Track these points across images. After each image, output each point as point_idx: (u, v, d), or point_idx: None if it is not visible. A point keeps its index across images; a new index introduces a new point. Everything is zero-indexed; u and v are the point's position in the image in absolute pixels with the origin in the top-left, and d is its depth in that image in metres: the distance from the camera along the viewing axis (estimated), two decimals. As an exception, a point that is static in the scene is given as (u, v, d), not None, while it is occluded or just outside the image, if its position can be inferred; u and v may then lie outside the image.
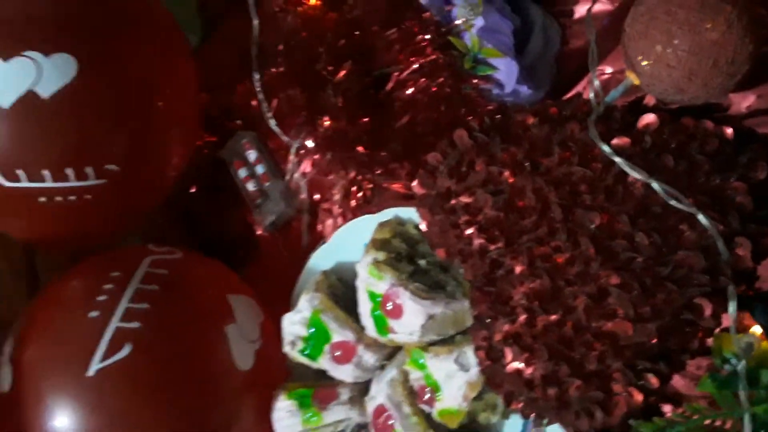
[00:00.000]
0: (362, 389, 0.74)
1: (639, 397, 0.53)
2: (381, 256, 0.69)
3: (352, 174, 0.80)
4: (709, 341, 0.54)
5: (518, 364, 0.56)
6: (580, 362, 0.54)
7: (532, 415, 0.57)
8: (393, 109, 0.75)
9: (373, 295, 0.69)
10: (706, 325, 0.53)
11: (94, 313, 0.69)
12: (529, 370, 0.55)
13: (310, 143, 0.83)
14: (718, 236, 0.51)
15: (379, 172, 0.78)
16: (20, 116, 0.70)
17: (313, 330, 0.73)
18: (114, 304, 0.69)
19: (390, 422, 0.68)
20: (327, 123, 0.80)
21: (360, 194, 0.80)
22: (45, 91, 0.70)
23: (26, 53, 0.70)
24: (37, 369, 0.68)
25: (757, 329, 0.57)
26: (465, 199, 0.59)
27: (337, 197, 0.82)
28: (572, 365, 0.54)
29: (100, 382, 0.66)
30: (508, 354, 0.56)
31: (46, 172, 0.71)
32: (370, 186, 0.79)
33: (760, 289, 0.56)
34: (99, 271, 0.73)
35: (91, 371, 0.66)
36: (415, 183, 0.62)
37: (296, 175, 0.86)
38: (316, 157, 0.82)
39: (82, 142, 0.74)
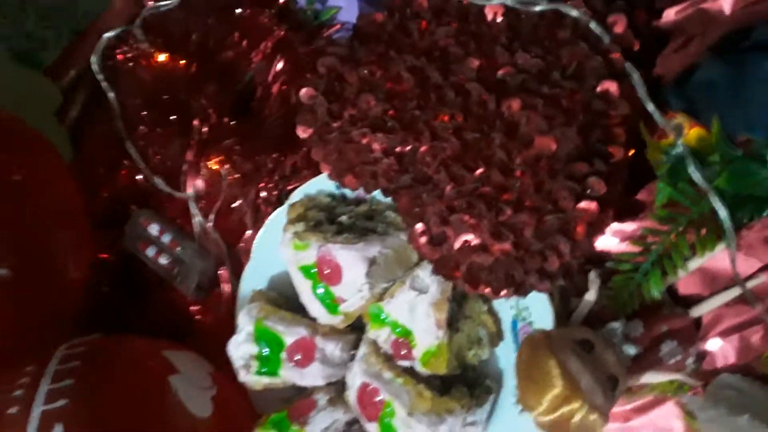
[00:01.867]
0: (339, 389, 0.65)
1: (593, 206, 0.48)
2: (300, 227, 0.64)
3: (253, 193, 0.76)
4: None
5: (464, 236, 0.51)
6: (520, 200, 0.49)
7: (505, 293, 0.51)
8: (269, 110, 0.74)
9: (306, 270, 0.63)
10: (620, 111, 0.50)
11: (13, 410, 0.60)
12: (476, 236, 0.50)
13: (201, 185, 0.79)
14: (590, 19, 0.49)
15: (278, 177, 0.75)
16: None
17: (262, 342, 0.65)
18: (33, 392, 0.60)
19: (377, 398, 0.60)
20: (213, 159, 0.78)
21: (269, 206, 0.76)
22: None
23: None
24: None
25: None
26: (349, 112, 0.56)
27: (249, 222, 0.78)
28: (515, 208, 0.49)
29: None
30: (450, 231, 0.51)
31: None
32: (276, 193, 0.75)
33: (661, 77, 0.54)
34: (10, 372, 0.64)
35: (24, 470, 0.56)
36: (298, 128, 0.59)
37: (205, 227, 0.81)
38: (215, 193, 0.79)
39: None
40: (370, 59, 0.56)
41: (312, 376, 0.64)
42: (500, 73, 0.52)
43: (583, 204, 0.49)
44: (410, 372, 0.61)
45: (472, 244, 0.50)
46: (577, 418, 0.47)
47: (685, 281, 0.56)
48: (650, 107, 0.49)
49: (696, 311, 0.54)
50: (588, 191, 0.49)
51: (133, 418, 0.60)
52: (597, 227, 0.50)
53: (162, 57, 0.80)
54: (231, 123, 0.71)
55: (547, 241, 0.49)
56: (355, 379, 0.62)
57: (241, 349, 0.66)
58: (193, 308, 0.84)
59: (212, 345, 0.75)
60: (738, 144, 0.51)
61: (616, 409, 0.59)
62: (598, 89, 0.50)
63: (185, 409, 0.62)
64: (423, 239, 0.53)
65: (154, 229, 0.84)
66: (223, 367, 0.71)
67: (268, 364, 0.65)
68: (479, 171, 0.51)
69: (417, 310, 0.59)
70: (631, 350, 0.52)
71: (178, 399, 0.63)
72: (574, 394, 0.46)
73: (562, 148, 0.49)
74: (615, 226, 0.57)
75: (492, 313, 0.62)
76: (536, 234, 0.49)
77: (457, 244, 0.51)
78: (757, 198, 0.51)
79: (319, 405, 0.64)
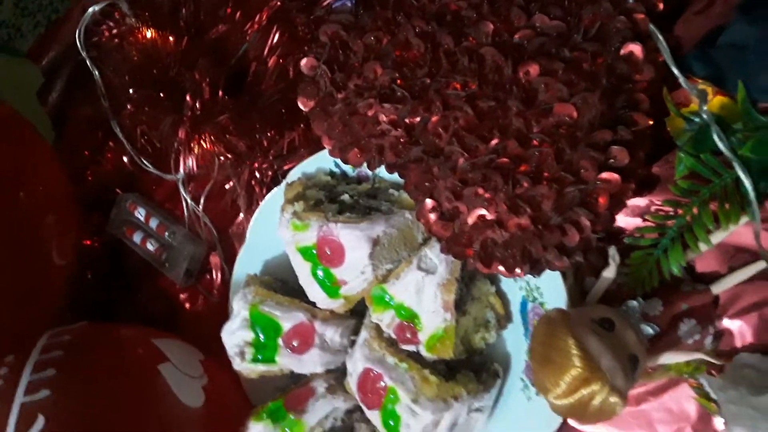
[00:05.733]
0: (338, 376, 0.62)
1: (616, 176, 0.46)
2: (299, 206, 0.61)
3: (246, 173, 0.73)
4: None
5: (478, 211, 0.48)
6: (538, 171, 0.46)
7: (519, 271, 0.49)
8: (265, 85, 0.70)
9: (306, 252, 0.60)
10: (645, 75, 0.47)
11: (-9, 402, 0.56)
12: (491, 211, 0.47)
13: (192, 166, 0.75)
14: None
15: (274, 156, 0.71)
16: None
17: (258, 328, 0.62)
18: (13, 384, 0.57)
19: (380, 384, 0.57)
20: (204, 138, 0.74)
21: (263, 187, 0.72)
22: None
23: None
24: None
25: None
26: (354, 83, 0.53)
27: (242, 204, 0.74)
28: (533, 180, 0.46)
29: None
30: (463, 206, 0.48)
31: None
32: (271, 173, 0.72)
33: (683, 43, 0.52)
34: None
35: (5, 462, 0.52)
36: (299, 100, 0.56)
37: (195, 210, 0.78)
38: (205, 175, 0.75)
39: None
40: (376, 25, 0.53)
41: (310, 362, 0.61)
42: (517, 36, 0.49)
43: (605, 175, 0.46)
44: (415, 357, 0.58)
45: (487, 219, 0.47)
46: (597, 400, 0.44)
47: (702, 257, 0.54)
48: (676, 71, 0.47)
49: (716, 288, 0.52)
50: (611, 161, 0.46)
51: (121, 408, 0.57)
52: (619, 199, 0.47)
53: (150, 33, 0.76)
54: (225, 98, 0.67)
55: (567, 215, 0.46)
56: (357, 365, 0.59)
57: (235, 335, 0.62)
58: (182, 296, 0.81)
59: (203, 334, 0.72)
60: (763, 112, 0.49)
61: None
62: (622, 52, 0.47)
63: (176, 399, 0.59)
64: (433, 216, 0.50)
65: (141, 213, 0.81)
66: (215, 356, 0.67)
67: (264, 351, 0.62)
68: (494, 141, 0.48)
69: (424, 292, 0.56)
70: (649, 330, 0.49)
71: (169, 388, 0.59)
72: (594, 375, 0.44)
73: (584, 115, 0.46)
74: (630, 201, 0.54)
75: (500, 294, 0.59)
76: (556, 207, 0.46)
77: (471, 220, 0.48)
78: (783, 168, 0.49)
79: (318, 393, 0.60)
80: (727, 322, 0.54)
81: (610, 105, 0.46)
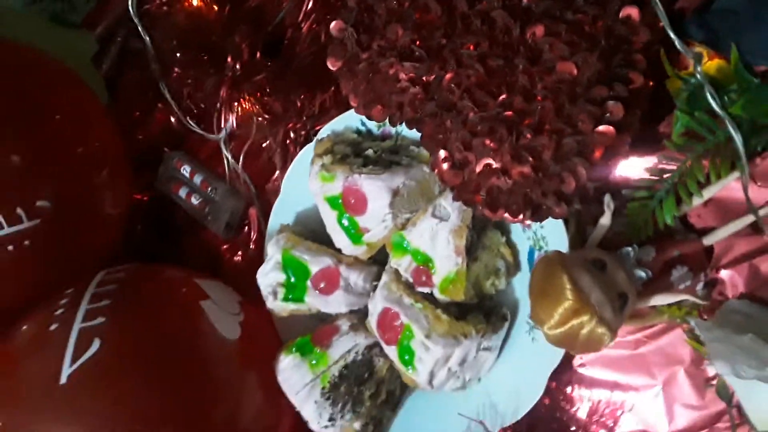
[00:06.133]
0: (361, 317, 0.68)
1: (611, 129, 0.50)
2: (327, 159, 0.66)
3: (281, 133, 0.79)
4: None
5: (485, 160, 0.53)
6: (540, 124, 0.51)
7: (522, 217, 0.53)
8: (299, 49, 0.76)
9: (332, 201, 0.66)
10: (641, 37, 0.51)
11: (54, 326, 0.63)
12: (497, 160, 0.52)
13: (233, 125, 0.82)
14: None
15: (307, 117, 0.77)
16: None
17: (289, 270, 0.68)
18: (73, 312, 0.64)
19: (397, 322, 0.63)
20: (244, 100, 0.80)
21: (297, 146, 0.78)
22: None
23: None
24: (9, 397, 0.61)
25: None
26: (377, 43, 0.58)
27: (278, 162, 0.80)
28: (535, 131, 0.51)
29: (76, 384, 0.59)
30: (472, 156, 0.53)
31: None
32: (304, 133, 0.78)
33: (684, 10, 0.56)
34: (51, 297, 0.68)
35: (63, 378, 0.60)
36: (328, 60, 0.61)
37: (235, 167, 0.84)
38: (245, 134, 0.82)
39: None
40: (398, -9, 0.58)
41: (336, 303, 0.67)
42: (525, 0, 0.53)
43: (601, 128, 0.50)
44: (429, 298, 0.63)
45: (493, 167, 0.52)
46: (585, 330, 0.49)
47: (699, 212, 0.58)
48: (672, 35, 0.51)
49: (708, 239, 0.56)
50: (607, 115, 0.50)
51: (166, 334, 0.64)
52: (614, 151, 0.51)
53: (195, 1, 0.82)
54: (262, 60, 0.73)
55: (564, 164, 0.51)
56: (377, 305, 0.64)
57: (269, 276, 0.69)
58: (223, 247, 0.87)
59: (241, 281, 0.78)
60: (757, 74, 0.53)
61: (627, 336, 0.61)
62: (621, 15, 0.51)
63: (215, 331, 0.66)
64: (446, 165, 0.55)
65: (186, 170, 0.88)
66: (251, 299, 0.74)
67: (294, 291, 0.68)
68: (502, 97, 0.52)
69: (438, 237, 0.61)
70: (642, 274, 0.54)
71: (209, 321, 0.66)
72: (583, 307, 0.48)
73: (584, 73, 0.50)
74: (635, 159, 0.58)
75: (510, 244, 0.64)
76: (554, 157, 0.51)
77: (479, 168, 0.53)
78: (772, 127, 0.52)
79: (342, 330, 0.66)
80: (722, 274, 0.58)
81: (607, 64, 0.50)
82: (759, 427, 0.51)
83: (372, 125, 0.69)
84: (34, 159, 0.75)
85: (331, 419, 0.63)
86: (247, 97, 0.79)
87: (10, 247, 0.72)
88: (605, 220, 0.54)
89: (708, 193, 0.55)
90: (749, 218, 0.54)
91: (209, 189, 0.86)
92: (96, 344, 0.61)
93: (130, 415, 0.59)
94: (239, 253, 0.86)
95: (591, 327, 0.49)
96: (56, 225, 0.75)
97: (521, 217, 0.54)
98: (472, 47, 0.54)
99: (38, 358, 0.62)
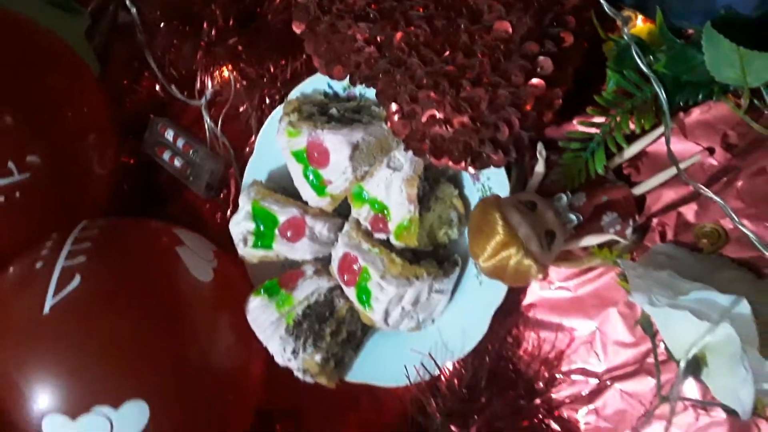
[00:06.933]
0: (325, 264, 0.73)
1: (541, 83, 0.55)
2: (294, 117, 0.72)
3: (257, 98, 0.84)
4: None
5: (430, 111, 0.58)
6: (479, 78, 0.56)
7: (463, 164, 0.59)
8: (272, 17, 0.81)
9: (298, 155, 0.71)
10: (572, 0, 0.56)
11: (39, 264, 0.69)
12: (440, 111, 0.57)
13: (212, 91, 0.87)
14: None
15: (281, 82, 0.82)
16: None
17: (259, 220, 0.73)
18: (57, 252, 0.70)
19: (356, 265, 0.68)
20: (222, 67, 0.86)
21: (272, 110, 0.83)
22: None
23: None
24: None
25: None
26: (336, 7, 0.63)
27: (254, 125, 0.85)
28: (473, 84, 0.56)
29: (58, 315, 0.65)
30: (418, 108, 0.58)
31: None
32: (278, 97, 0.83)
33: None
34: (37, 244, 0.74)
35: (46, 309, 0.65)
36: (293, 24, 0.67)
37: (215, 131, 0.89)
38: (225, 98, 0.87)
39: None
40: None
41: (301, 250, 0.73)
42: (466, -34, 0.58)
43: (533, 81, 0.55)
44: (385, 244, 0.68)
45: (437, 117, 0.58)
46: (513, 261, 0.54)
47: (635, 166, 0.63)
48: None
49: (637, 189, 0.61)
50: (538, 70, 0.55)
51: (142, 273, 0.69)
52: (545, 103, 0.56)
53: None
54: (236, 26, 0.78)
55: (499, 114, 0.56)
56: (339, 250, 0.70)
57: (240, 225, 0.74)
58: (204, 207, 0.92)
59: (222, 238, 0.83)
60: (685, 37, 0.58)
61: (569, 282, 0.66)
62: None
63: (189, 273, 0.71)
64: (396, 117, 0.60)
65: (169, 134, 0.93)
66: (229, 253, 0.79)
67: (263, 239, 0.74)
68: (446, 54, 0.57)
69: (392, 187, 0.66)
70: (573, 218, 0.59)
71: (182, 263, 0.71)
72: (511, 240, 0.54)
73: (518, 31, 0.55)
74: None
75: (462, 197, 0.69)
76: (490, 107, 0.56)
77: (424, 119, 0.58)
78: (694, 83, 0.57)
79: (307, 274, 0.72)
80: (653, 222, 0.63)
81: (539, 23, 0.55)
82: (676, 355, 0.56)
83: (338, 87, 0.75)
84: (26, 118, 0.80)
85: (294, 352, 0.68)
86: (226, 65, 0.84)
87: (1, 198, 0.77)
88: (539, 167, 0.60)
89: (637, 146, 0.60)
90: (672, 170, 0.59)
91: (191, 152, 0.91)
92: (77, 279, 0.67)
93: (107, 344, 0.65)
94: (219, 214, 0.91)
95: (518, 258, 0.54)
96: (46, 180, 0.81)
97: (463, 164, 0.59)
98: (420, 9, 0.59)
99: (25, 293, 0.68)
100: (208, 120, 0.90)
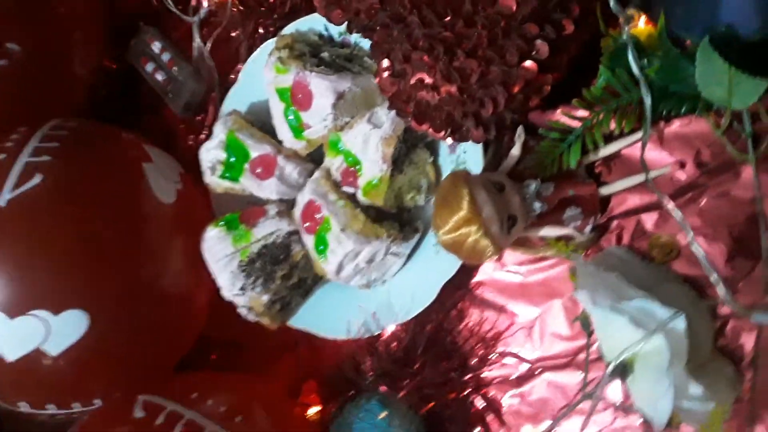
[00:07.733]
0: (289, 207, 0.73)
1: (533, 66, 0.55)
2: (284, 53, 0.70)
3: (251, 25, 0.82)
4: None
5: (420, 75, 0.57)
6: (474, 49, 0.55)
7: (443, 134, 0.58)
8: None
9: (282, 93, 0.70)
10: (580, -10, 0.56)
11: (1, 156, 0.68)
12: (430, 76, 0.57)
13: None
14: None
15: (278, 15, 0.81)
16: None
17: (231, 150, 0.73)
18: (22, 145, 0.69)
19: (318, 214, 0.68)
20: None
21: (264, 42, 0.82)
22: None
23: None
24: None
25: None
26: (345, -51, 0.62)
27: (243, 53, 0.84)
28: (468, 55, 0.56)
29: (13, 210, 0.64)
30: (409, 68, 0.58)
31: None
32: (273, 29, 0.81)
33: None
34: (2, 134, 0.72)
35: (3, 202, 0.64)
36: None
37: (203, 51, 0.87)
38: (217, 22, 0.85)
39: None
40: None
41: (268, 189, 0.72)
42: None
43: (526, 63, 0.55)
44: (352, 198, 0.69)
45: (425, 81, 0.57)
46: (471, 239, 0.55)
47: (608, 166, 0.63)
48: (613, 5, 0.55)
49: (605, 189, 0.62)
50: (534, 53, 0.55)
51: (104, 183, 0.69)
52: (534, 88, 0.56)
53: None
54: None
55: (487, 90, 0.56)
56: (304, 196, 0.70)
57: (211, 153, 0.73)
58: (180, 126, 0.91)
59: (192, 161, 0.83)
60: (682, 47, 0.58)
61: (521, 267, 0.67)
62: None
63: (151, 191, 0.70)
64: (386, 74, 0.60)
65: (156, 46, 0.91)
66: (195, 178, 0.78)
67: (231, 171, 0.73)
68: (447, 18, 0.57)
69: (369, 143, 0.66)
70: (538, 206, 0.59)
71: (146, 180, 0.71)
72: (474, 218, 0.54)
73: (521, 10, 0.55)
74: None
75: (436, 165, 0.69)
76: (480, 82, 0.55)
77: (413, 81, 0.57)
78: (680, 95, 0.57)
79: (269, 214, 0.71)
80: (612, 224, 0.64)
81: (543, 5, 0.55)
82: (607, 356, 0.58)
83: (334, 32, 0.73)
84: (10, 4, 0.77)
85: (242, 288, 0.69)
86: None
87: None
88: (515, 150, 0.60)
89: (613, 147, 0.61)
90: (641, 177, 0.60)
91: (175, 68, 0.89)
92: (38, 178, 0.66)
93: (58, 249, 0.64)
94: (193, 137, 0.90)
95: (477, 237, 0.54)
96: (22, 70, 0.79)
97: (443, 133, 0.59)
98: (428, -34, 0.58)
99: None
100: (198, 39, 0.88)
